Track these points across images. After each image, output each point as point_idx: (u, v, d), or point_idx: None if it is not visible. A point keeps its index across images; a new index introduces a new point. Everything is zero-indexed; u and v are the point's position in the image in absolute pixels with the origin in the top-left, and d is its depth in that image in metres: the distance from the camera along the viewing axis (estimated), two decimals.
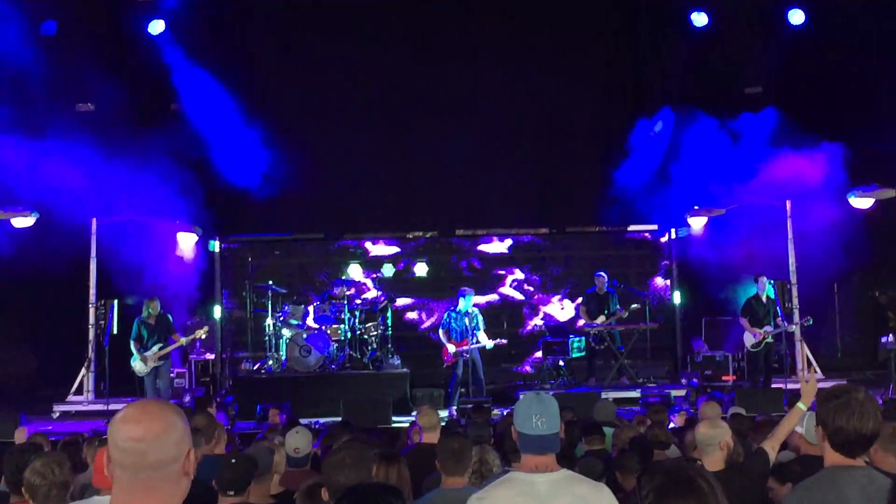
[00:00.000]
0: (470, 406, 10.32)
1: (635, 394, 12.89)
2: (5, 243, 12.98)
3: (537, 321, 15.74)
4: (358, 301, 14.30)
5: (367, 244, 16.02)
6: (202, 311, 14.71)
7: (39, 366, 14.30)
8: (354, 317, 13.91)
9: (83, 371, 13.54)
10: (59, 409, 13.21)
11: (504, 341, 13.45)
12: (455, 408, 12.14)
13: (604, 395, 11.19)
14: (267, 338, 14.06)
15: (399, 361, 14.06)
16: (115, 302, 13.04)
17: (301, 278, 15.78)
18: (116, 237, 13.82)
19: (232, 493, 4.54)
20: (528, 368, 15.77)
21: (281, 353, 13.67)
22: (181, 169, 14.21)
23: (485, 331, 13.10)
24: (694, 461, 4.66)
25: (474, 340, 12.91)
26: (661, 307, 15.50)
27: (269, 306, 14.13)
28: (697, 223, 14.74)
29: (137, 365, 12.33)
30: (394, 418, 11.71)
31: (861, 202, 13.74)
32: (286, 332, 13.59)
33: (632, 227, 15.83)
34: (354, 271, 15.55)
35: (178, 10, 14.57)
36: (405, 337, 15.60)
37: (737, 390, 12.07)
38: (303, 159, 15.20)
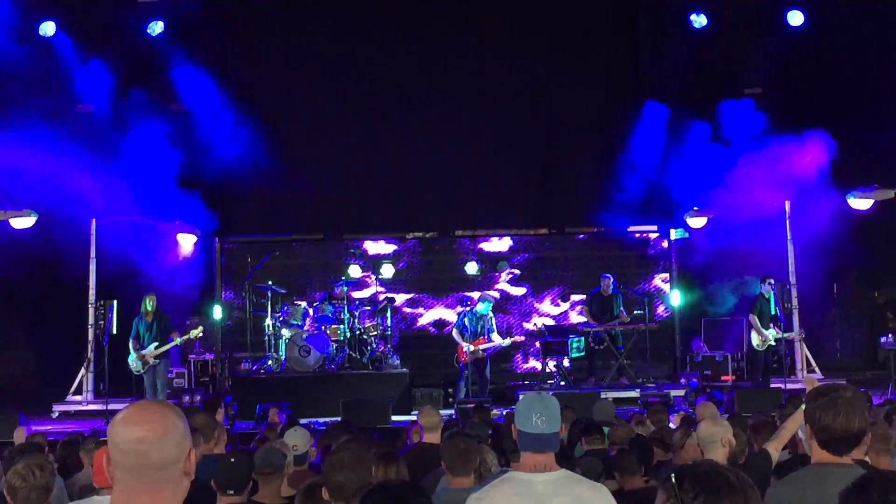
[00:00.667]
0: (471, 406, 10.34)
1: (635, 394, 12.91)
2: (5, 244, 12.99)
3: (537, 321, 15.73)
4: (357, 301, 14.31)
5: (367, 244, 16.02)
6: (201, 312, 14.71)
7: (39, 366, 14.31)
8: (354, 317, 13.91)
9: (82, 371, 13.55)
10: (58, 408, 13.22)
11: (522, 338, 13.85)
12: (456, 407, 12.17)
13: (603, 396, 11.21)
14: (266, 338, 14.05)
15: (398, 361, 14.08)
16: (115, 302, 13.05)
17: (300, 279, 15.77)
18: (116, 238, 13.81)
19: (232, 492, 4.54)
20: (527, 368, 15.78)
21: (280, 353, 13.67)
22: (181, 169, 14.22)
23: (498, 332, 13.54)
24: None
25: (489, 340, 13.28)
26: (660, 307, 15.52)
27: (269, 306, 14.13)
28: (697, 224, 14.74)
29: (134, 363, 12.34)
30: (393, 418, 11.72)
31: (860, 203, 13.75)
32: (286, 332, 13.59)
33: (631, 228, 15.83)
34: (354, 271, 15.56)
35: (178, 10, 14.57)
36: (404, 337, 15.62)
37: (736, 390, 12.08)
38: (302, 160, 15.22)
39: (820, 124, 14.03)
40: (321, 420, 11.04)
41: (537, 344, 15.08)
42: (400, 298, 15.72)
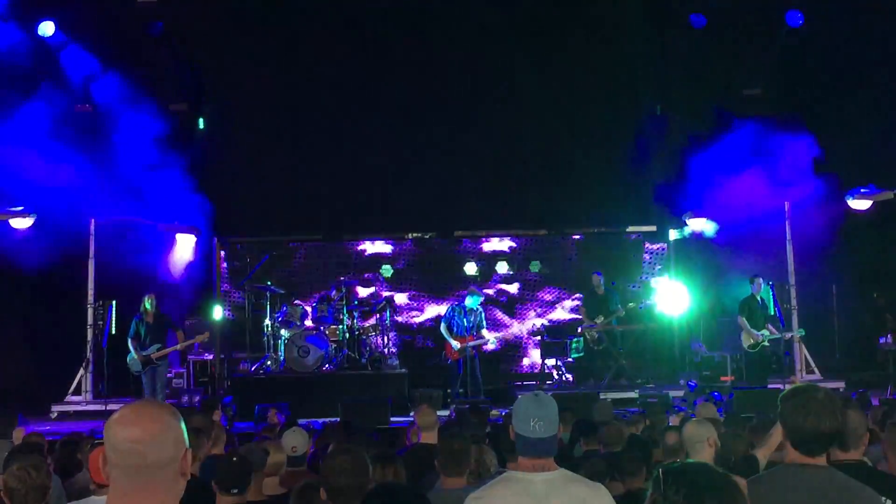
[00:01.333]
0: (467, 406, 10.34)
1: (634, 394, 12.91)
2: (4, 244, 12.98)
3: (536, 322, 15.74)
4: (356, 301, 14.30)
5: (366, 244, 16.02)
6: (201, 313, 14.71)
7: (37, 366, 14.27)
8: (353, 317, 13.91)
9: (81, 371, 13.53)
10: (57, 409, 13.21)
11: (510, 337, 13.73)
12: (454, 407, 12.16)
13: (602, 396, 11.21)
14: (265, 338, 14.06)
15: (397, 362, 14.07)
16: (114, 303, 13.05)
17: (300, 279, 15.77)
18: (115, 238, 13.81)
19: (236, 490, 4.54)
20: (527, 368, 15.78)
21: (279, 353, 13.67)
22: (180, 170, 14.21)
23: (486, 329, 13.37)
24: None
25: (478, 337, 13.15)
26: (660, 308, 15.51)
27: (268, 307, 14.13)
28: (696, 224, 14.74)
29: (133, 363, 12.33)
30: (392, 418, 11.71)
31: (860, 203, 13.74)
32: (285, 333, 13.59)
33: (631, 228, 15.84)
34: (354, 272, 15.55)
35: (178, 10, 14.57)
36: (404, 337, 15.61)
37: (735, 391, 12.07)
38: (302, 160, 15.21)
39: (819, 125, 14.03)
40: (320, 420, 11.03)
41: (537, 344, 15.09)
42: (399, 299, 15.72)
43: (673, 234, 15.28)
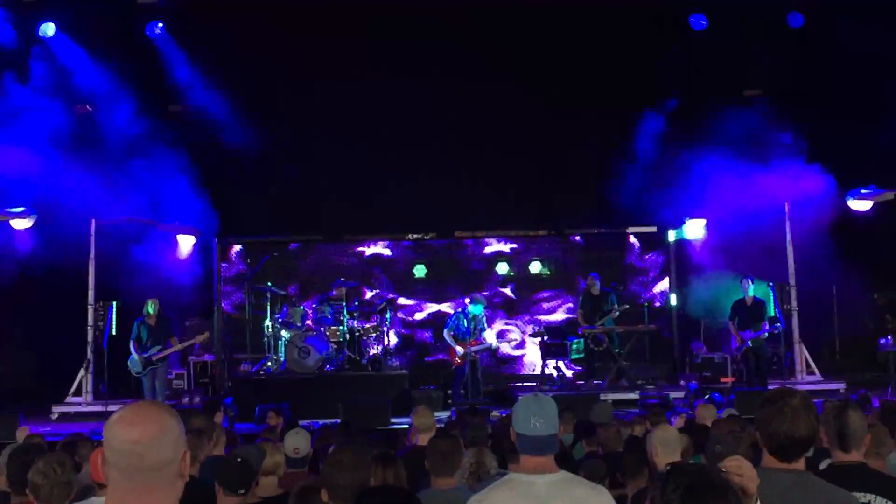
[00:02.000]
0: (466, 408, 10.33)
1: (634, 396, 12.90)
2: (4, 245, 12.98)
3: (535, 323, 15.74)
4: (357, 302, 14.30)
5: (366, 245, 16.02)
6: (201, 313, 14.70)
7: (38, 367, 14.29)
8: (353, 318, 13.91)
9: (82, 372, 13.53)
10: (57, 410, 13.20)
11: (514, 340, 13.77)
12: (455, 409, 12.17)
13: (602, 397, 11.20)
14: (266, 339, 14.06)
15: (398, 363, 14.06)
16: (114, 303, 13.04)
17: (300, 280, 15.77)
18: (115, 239, 13.81)
19: (243, 491, 4.54)
20: (527, 369, 15.77)
21: (280, 354, 13.67)
22: (180, 170, 14.21)
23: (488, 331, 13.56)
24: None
25: (481, 340, 13.25)
26: (660, 309, 15.51)
27: (268, 308, 14.12)
28: (696, 225, 14.74)
29: (134, 365, 12.33)
30: (393, 420, 11.71)
31: (860, 204, 13.75)
32: (285, 334, 13.59)
33: (631, 229, 15.84)
34: (354, 273, 15.55)
35: (178, 10, 14.58)
36: (404, 338, 15.61)
37: (736, 392, 12.06)
38: (302, 161, 15.21)
39: (820, 125, 14.02)
40: (320, 421, 11.03)
41: (537, 345, 15.08)
42: (399, 300, 15.72)
43: (672, 235, 15.27)
